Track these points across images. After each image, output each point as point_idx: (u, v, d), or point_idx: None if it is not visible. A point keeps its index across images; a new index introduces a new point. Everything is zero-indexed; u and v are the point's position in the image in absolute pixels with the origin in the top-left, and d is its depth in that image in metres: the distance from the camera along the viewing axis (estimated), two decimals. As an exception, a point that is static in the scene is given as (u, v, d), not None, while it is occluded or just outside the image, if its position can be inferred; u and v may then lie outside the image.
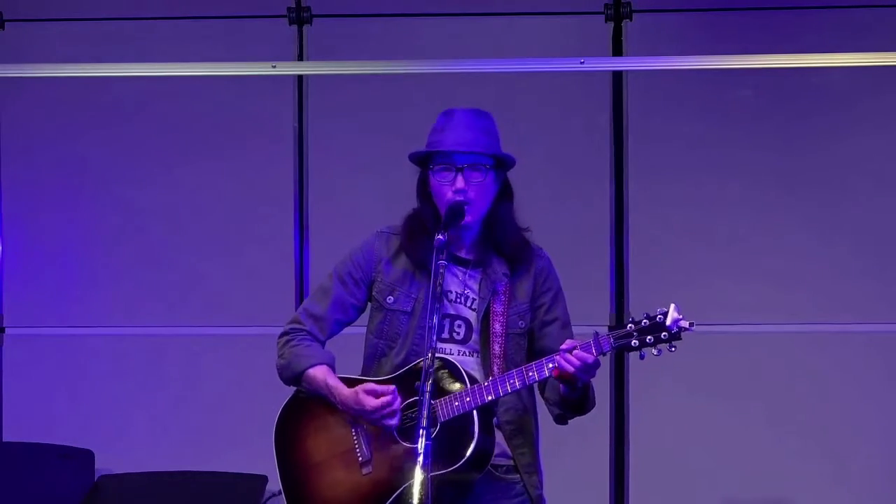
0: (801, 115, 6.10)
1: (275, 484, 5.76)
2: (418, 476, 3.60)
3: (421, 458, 3.62)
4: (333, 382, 4.08)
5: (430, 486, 3.61)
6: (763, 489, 6.01)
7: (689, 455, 6.03)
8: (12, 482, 5.92)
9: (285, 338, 4.21)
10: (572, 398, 4.03)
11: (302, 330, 4.19)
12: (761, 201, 6.08)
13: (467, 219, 4.05)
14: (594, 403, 4.13)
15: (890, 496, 5.97)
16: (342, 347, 4.28)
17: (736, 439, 6.00)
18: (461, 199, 4.03)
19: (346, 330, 4.28)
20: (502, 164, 4.12)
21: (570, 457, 5.76)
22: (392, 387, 4.00)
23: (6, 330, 6.30)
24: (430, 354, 3.75)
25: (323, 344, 4.20)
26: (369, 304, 4.22)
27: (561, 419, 4.15)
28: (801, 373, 6.04)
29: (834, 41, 5.94)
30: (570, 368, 3.88)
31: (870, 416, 6.02)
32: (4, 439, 6.24)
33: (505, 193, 4.14)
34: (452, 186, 4.04)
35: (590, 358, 3.88)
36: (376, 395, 4.00)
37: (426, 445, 3.62)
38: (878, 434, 6.02)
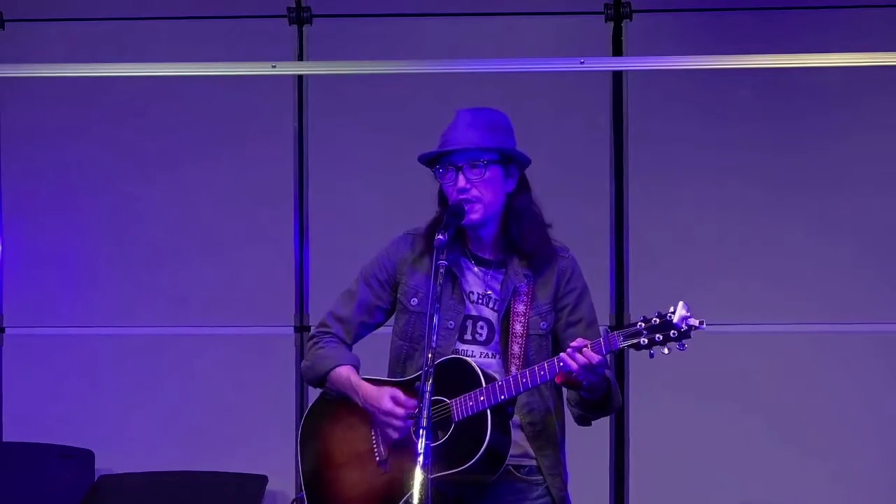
0: (801, 115, 6.10)
1: (274, 484, 5.80)
2: (418, 476, 3.61)
3: (421, 458, 3.62)
4: (357, 380, 4.09)
5: (430, 485, 3.61)
6: (763, 489, 6.01)
7: (688, 455, 6.03)
8: (12, 482, 5.93)
9: (311, 341, 4.22)
10: (592, 399, 4.01)
11: (328, 332, 4.19)
12: (761, 201, 6.08)
13: (472, 217, 4.03)
14: (619, 402, 4.11)
15: (890, 496, 5.97)
16: (368, 349, 4.27)
17: (736, 439, 6.00)
18: (463, 197, 4.03)
19: (379, 330, 4.28)
20: (510, 158, 4.10)
21: (571, 457, 5.74)
22: (412, 402, 3.98)
23: (6, 330, 6.30)
24: (430, 355, 3.75)
25: (350, 347, 4.20)
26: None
27: (583, 420, 4.13)
28: (801, 373, 6.04)
29: (834, 41, 5.94)
30: (574, 366, 3.87)
31: (870, 416, 6.02)
32: (4, 439, 6.24)
33: (521, 188, 4.12)
34: (456, 186, 4.04)
35: (595, 357, 3.87)
36: (396, 401, 4.00)
37: (426, 445, 3.62)
38: (878, 434, 6.02)
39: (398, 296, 4.17)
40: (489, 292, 4.11)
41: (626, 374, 6.06)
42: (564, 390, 4.12)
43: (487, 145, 4.04)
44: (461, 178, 4.03)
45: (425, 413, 3.66)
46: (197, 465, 5.97)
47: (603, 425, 6.03)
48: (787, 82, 6.04)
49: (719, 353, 6.01)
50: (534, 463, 4.10)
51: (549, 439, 4.11)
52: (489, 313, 4.11)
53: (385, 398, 4.01)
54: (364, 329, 4.21)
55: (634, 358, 5.99)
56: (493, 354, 4.09)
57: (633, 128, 6.13)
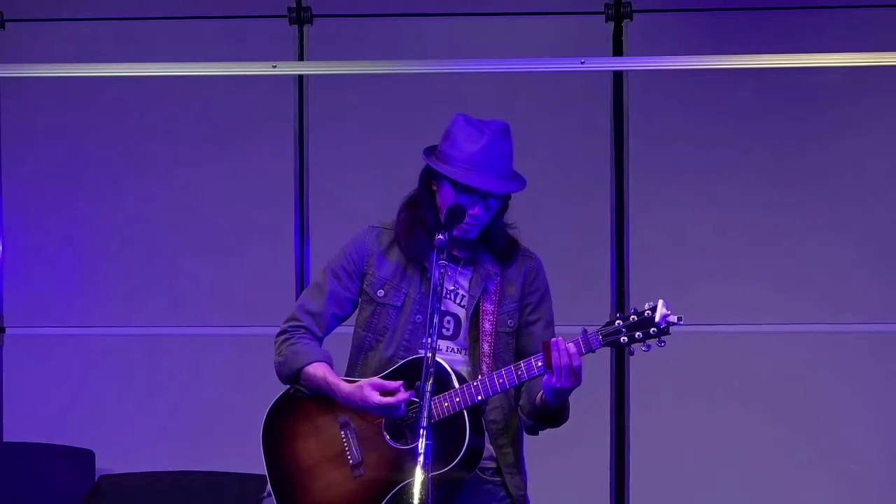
0: (802, 115, 6.10)
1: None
2: (419, 476, 3.60)
3: (421, 458, 3.61)
4: (333, 379, 4.08)
5: (431, 486, 3.61)
6: (763, 489, 6.02)
7: (688, 455, 6.03)
8: (12, 482, 5.93)
9: (283, 336, 4.20)
10: (550, 411, 4.00)
11: (300, 327, 4.18)
12: (761, 201, 6.08)
13: (471, 235, 4.04)
14: (568, 416, 4.08)
15: (890, 496, 5.98)
16: (336, 347, 4.27)
17: (736, 439, 6.00)
18: (473, 223, 4.02)
19: (340, 329, 4.27)
20: None
21: (571, 457, 5.76)
22: (399, 382, 3.98)
23: (6, 330, 6.30)
24: (430, 354, 3.74)
25: (321, 340, 4.19)
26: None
27: (532, 430, 4.12)
28: (802, 373, 6.04)
29: (834, 41, 5.94)
30: (562, 362, 3.86)
31: (870, 416, 6.02)
32: (4, 439, 6.24)
33: (503, 205, 4.14)
34: (470, 210, 4.00)
35: (574, 356, 3.85)
36: (381, 390, 3.99)
37: (427, 445, 3.62)
38: (878, 434, 6.02)
39: (364, 286, 4.16)
40: (456, 288, 4.12)
41: (627, 373, 6.07)
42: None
43: (517, 191, 4.05)
44: (479, 207, 4.01)
45: (425, 413, 3.66)
46: (197, 465, 5.97)
47: (603, 425, 6.04)
48: (787, 82, 6.04)
49: (719, 353, 6.03)
50: (495, 465, 4.10)
51: (511, 438, 4.11)
52: (456, 308, 4.11)
53: (371, 393, 3.99)
54: (335, 321, 4.20)
55: (635, 358, 5.98)
56: (459, 349, 4.11)
57: (633, 128, 6.13)
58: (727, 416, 6.02)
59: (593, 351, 3.89)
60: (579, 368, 3.86)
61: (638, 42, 6.11)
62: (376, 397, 3.99)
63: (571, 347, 3.87)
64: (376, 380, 4.01)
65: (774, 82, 6.04)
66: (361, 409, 4.03)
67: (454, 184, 4.03)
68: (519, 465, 4.14)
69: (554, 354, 3.86)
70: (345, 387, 4.06)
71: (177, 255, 6.24)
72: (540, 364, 3.90)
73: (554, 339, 3.89)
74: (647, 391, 6.06)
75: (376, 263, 4.15)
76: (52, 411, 6.22)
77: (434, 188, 4.09)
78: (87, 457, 5.98)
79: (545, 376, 3.89)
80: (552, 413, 4.01)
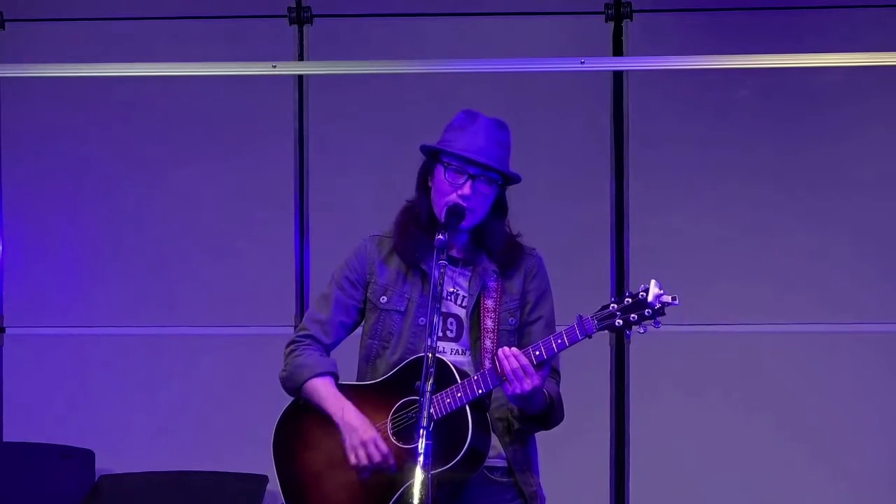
0: (801, 115, 6.10)
1: (274, 484, 5.78)
2: (419, 476, 3.60)
3: (421, 458, 3.61)
4: (336, 400, 4.08)
5: (431, 486, 3.61)
6: (763, 489, 6.02)
7: (689, 455, 6.03)
8: (12, 482, 5.93)
9: (290, 348, 4.21)
10: (527, 415, 4.01)
11: (307, 337, 4.19)
12: (761, 201, 6.08)
13: (463, 225, 4.04)
14: (560, 418, 4.09)
15: (890, 496, 5.98)
16: (344, 352, 4.28)
17: (736, 439, 6.00)
18: (465, 205, 4.02)
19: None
20: (507, 180, 4.12)
21: (570, 457, 5.76)
22: (387, 450, 3.98)
23: (6, 330, 6.30)
24: (430, 354, 3.74)
25: (328, 348, 4.20)
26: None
27: (525, 432, 4.12)
28: (801, 373, 6.05)
29: (834, 41, 5.95)
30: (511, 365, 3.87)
31: (870, 416, 6.02)
32: (4, 439, 6.24)
33: (499, 208, 4.13)
34: (459, 190, 4.03)
35: (518, 356, 3.85)
36: (377, 445, 3.99)
37: (427, 445, 3.62)
38: (878, 434, 6.03)
39: (368, 294, 4.17)
40: (456, 289, 4.12)
41: (627, 373, 6.07)
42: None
43: (506, 170, 4.06)
44: (469, 185, 4.03)
45: (425, 413, 3.66)
46: (197, 465, 5.97)
47: (603, 425, 6.04)
48: (787, 82, 6.04)
49: (719, 352, 6.03)
50: (506, 464, 4.10)
51: (519, 434, 4.11)
52: (457, 310, 4.12)
53: (367, 434, 3.99)
54: (343, 329, 4.20)
55: (635, 358, 5.99)
56: (463, 351, 4.11)
57: (633, 128, 6.13)
58: (727, 416, 6.02)
59: (590, 336, 3.88)
60: (528, 366, 3.86)
61: (638, 42, 6.12)
62: (368, 441, 3.99)
63: (515, 350, 3.88)
64: (380, 438, 4.01)
65: (774, 82, 6.04)
66: (346, 433, 4.03)
67: (437, 159, 4.05)
68: (530, 462, 4.13)
69: (503, 363, 3.87)
70: (350, 414, 4.04)
71: (176, 255, 6.24)
72: (538, 353, 3.87)
73: (499, 350, 3.90)
74: (647, 390, 6.06)
75: (378, 271, 4.16)
76: (52, 411, 6.23)
77: (430, 185, 4.11)
78: (87, 457, 5.98)
79: (504, 387, 3.90)
80: (532, 416, 4.02)
